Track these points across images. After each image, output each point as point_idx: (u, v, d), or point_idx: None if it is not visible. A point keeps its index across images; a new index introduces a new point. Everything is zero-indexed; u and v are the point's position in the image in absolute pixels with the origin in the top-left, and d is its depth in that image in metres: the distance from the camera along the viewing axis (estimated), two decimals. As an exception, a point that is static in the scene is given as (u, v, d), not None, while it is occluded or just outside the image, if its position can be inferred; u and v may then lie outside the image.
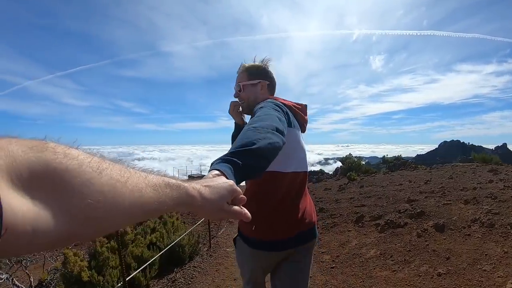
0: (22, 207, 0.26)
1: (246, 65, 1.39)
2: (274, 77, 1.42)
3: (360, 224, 4.70)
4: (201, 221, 5.32)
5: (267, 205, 1.26)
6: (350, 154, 14.79)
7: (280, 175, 1.24)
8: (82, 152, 0.34)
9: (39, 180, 0.28)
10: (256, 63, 1.40)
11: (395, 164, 13.30)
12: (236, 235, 1.46)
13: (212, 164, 0.65)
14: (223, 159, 0.65)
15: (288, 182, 1.25)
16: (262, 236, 1.28)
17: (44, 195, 0.28)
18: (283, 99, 1.32)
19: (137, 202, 0.38)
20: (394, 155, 14.84)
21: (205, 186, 0.52)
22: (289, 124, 1.17)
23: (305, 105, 1.41)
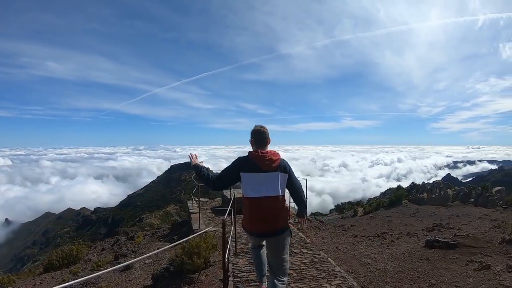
0: None
1: None
2: (259, 135, 2.65)
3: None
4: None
5: (251, 214, 2.66)
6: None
7: (249, 199, 2.61)
8: None
9: None
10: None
11: None
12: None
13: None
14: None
15: (255, 202, 2.58)
16: (251, 230, 2.75)
17: None
18: (252, 152, 2.65)
19: None
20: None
21: None
22: (240, 170, 2.58)
23: (263, 155, 2.57)
